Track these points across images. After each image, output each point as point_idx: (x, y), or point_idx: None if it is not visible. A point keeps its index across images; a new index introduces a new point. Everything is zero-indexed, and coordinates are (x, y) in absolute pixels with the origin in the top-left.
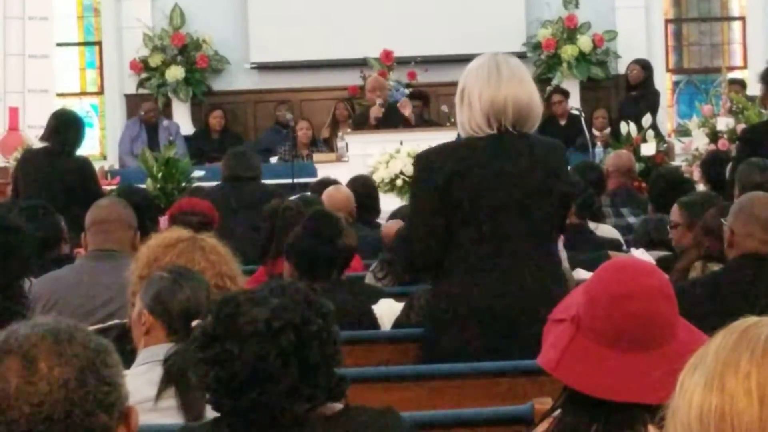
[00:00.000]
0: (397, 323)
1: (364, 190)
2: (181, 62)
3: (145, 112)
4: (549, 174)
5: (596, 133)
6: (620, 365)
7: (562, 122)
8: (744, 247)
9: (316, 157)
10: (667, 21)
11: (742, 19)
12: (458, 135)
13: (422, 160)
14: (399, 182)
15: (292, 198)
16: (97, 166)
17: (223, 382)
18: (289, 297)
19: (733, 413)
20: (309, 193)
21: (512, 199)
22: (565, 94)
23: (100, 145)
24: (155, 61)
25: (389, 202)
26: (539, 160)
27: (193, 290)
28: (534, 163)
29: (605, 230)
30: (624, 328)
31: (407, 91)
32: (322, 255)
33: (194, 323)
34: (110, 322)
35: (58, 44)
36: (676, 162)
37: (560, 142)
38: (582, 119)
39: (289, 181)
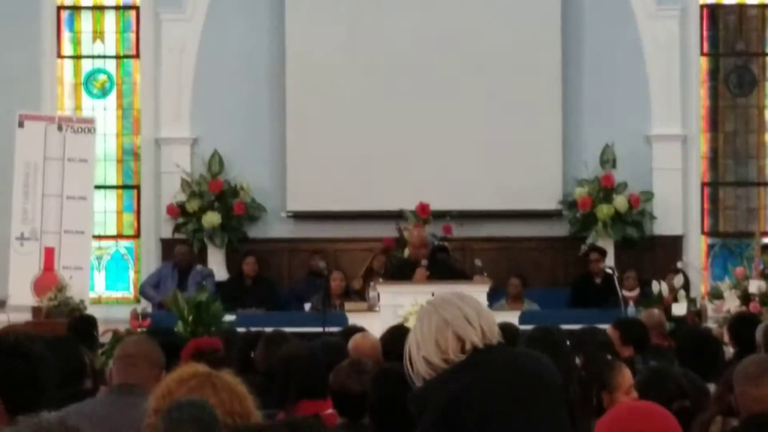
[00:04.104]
0: None
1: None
2: (218, 208)
3: (178, 255)
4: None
5: (626, 293)
6: None
7: (598, 280)
8: (750, 408)
9: (347, 306)
10: (704, 184)
11: None
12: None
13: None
14: None
15: (312, 343)
16: (129, 308)
17: None
18: (299, 429)
19: None
20: (331, 338)
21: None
22: (603, 253)
23: (134, 288)
24: (192, 206)
25: None
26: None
27: (199, 425)
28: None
29: None
30: None
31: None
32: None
33: None
34: None
35: (97, 187)
36: (708, 324)
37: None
38: (615, 278)
39: (319, 329)
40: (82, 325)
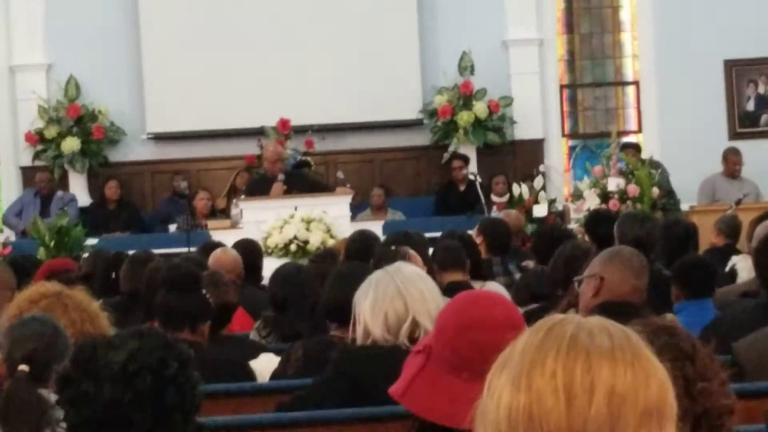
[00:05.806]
0: (274, 375)
1: (250, 253)
2: (77, 133)
3: (39, 183)
4: None
5: (495, 198)
6: (465, 393)
7: (462, 188)
8: (615, 293)
9: (210, 224)
10: (562, 86)
11: (636, 83)
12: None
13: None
14: (293, 247)
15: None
16: None
17: (80, 423)
18: (147, 340)
19: (540, 412)
20: (191, 254)
21: None
22: (465, 159)
23: None
24: (51, 132)
25: None
26: None
27: (42, 339)
28: None
29: (491, 287)
30: (469, 356)
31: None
32: (176, 308)
33: (20, 367)
34: None
35: None
36: (571, 225)
37: None
38: (477, 184)
39: (185, 249)
40: None
